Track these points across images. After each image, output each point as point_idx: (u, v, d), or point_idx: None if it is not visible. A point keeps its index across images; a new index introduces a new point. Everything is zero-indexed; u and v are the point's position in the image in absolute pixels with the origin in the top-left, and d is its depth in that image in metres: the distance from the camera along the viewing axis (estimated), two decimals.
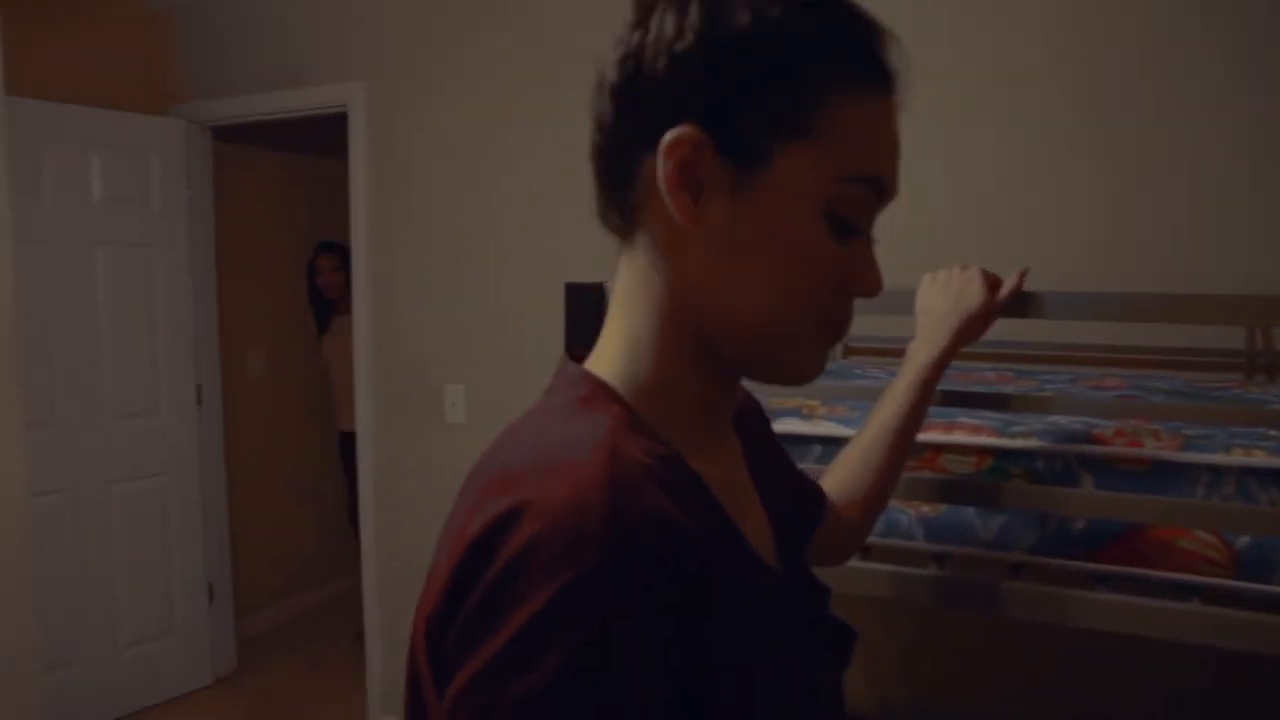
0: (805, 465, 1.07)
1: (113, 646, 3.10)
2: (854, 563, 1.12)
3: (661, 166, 0.56)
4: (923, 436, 1.10)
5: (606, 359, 0.63)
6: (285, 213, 3.92)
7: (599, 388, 0.60)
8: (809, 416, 1.22)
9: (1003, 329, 1.02)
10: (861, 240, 0.60)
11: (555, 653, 0.44)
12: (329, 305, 3.82)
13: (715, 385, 0.63)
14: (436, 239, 2.80)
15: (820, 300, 0.59)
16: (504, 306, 2.70)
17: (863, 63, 0.57)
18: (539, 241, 2.62)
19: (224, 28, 3.17)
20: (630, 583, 0.46)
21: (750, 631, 0.56)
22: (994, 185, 2.00)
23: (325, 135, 3.37)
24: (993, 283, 0.99)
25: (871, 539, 1.14)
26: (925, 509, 1.11)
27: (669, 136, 0.56)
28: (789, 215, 0.57)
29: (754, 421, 0.81)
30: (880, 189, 0.59)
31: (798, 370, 0.62)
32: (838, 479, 0.93)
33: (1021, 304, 0.99)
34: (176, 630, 3.29)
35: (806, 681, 0.63)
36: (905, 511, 1.12)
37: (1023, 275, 0.99)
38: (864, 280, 0.60)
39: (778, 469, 0.81)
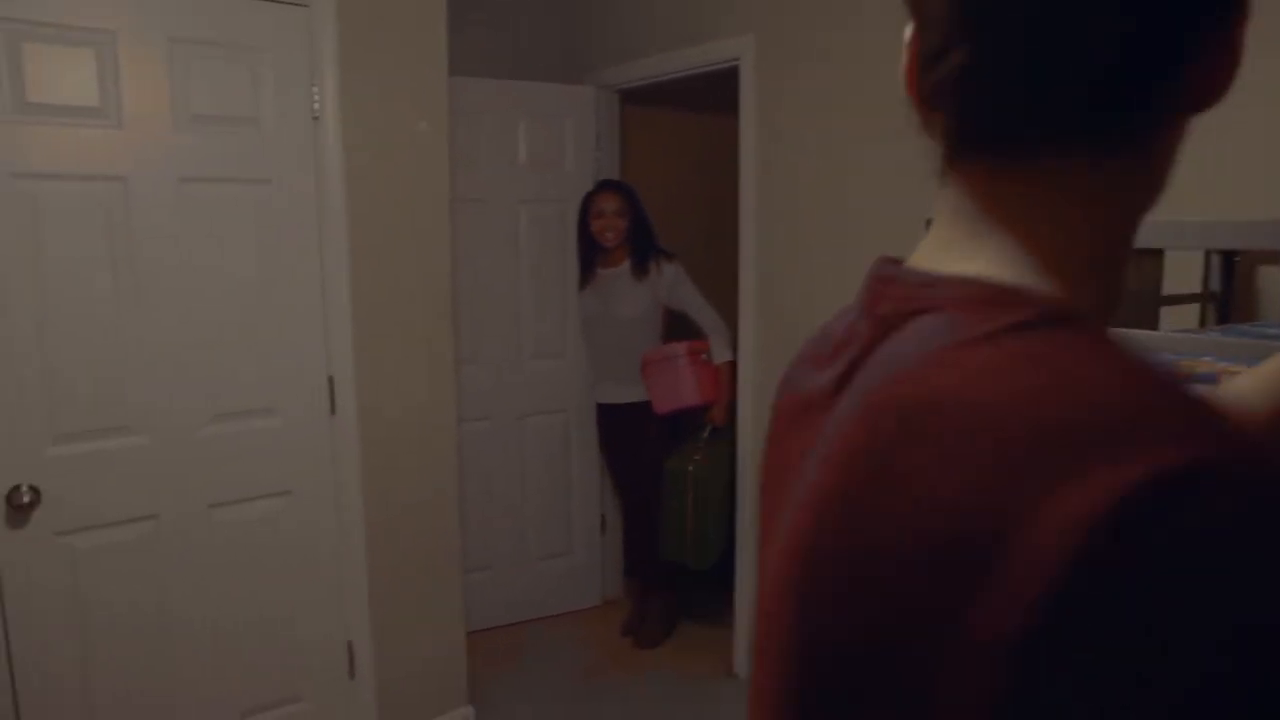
0: None
1: (521, 559, 3.53)
2: None
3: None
4: None
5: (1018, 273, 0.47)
6: (681, 170, 4.09)
7: (1070, 313, 0.44)
8: None
9: None
10: None
11: None
12: (599, 253, 3.42)
13: None
14: (818, 192, 2.73)
15: None
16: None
17: None
18: (921, 200, 2.43)
19: None
20: None
21: None
22: None
23: (719, 93, 3.44)
24: None
25: None
26: None
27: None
28: None
29: None
30: None
31: None
32: None
33: None
34: (573, 553, 3.66)
35: None
36: None
37: None
38: None
39: None
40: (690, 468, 3.24)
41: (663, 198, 4.00)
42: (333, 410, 2.43)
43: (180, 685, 2.28)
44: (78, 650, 2.12)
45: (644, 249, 3.35)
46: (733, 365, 3.30)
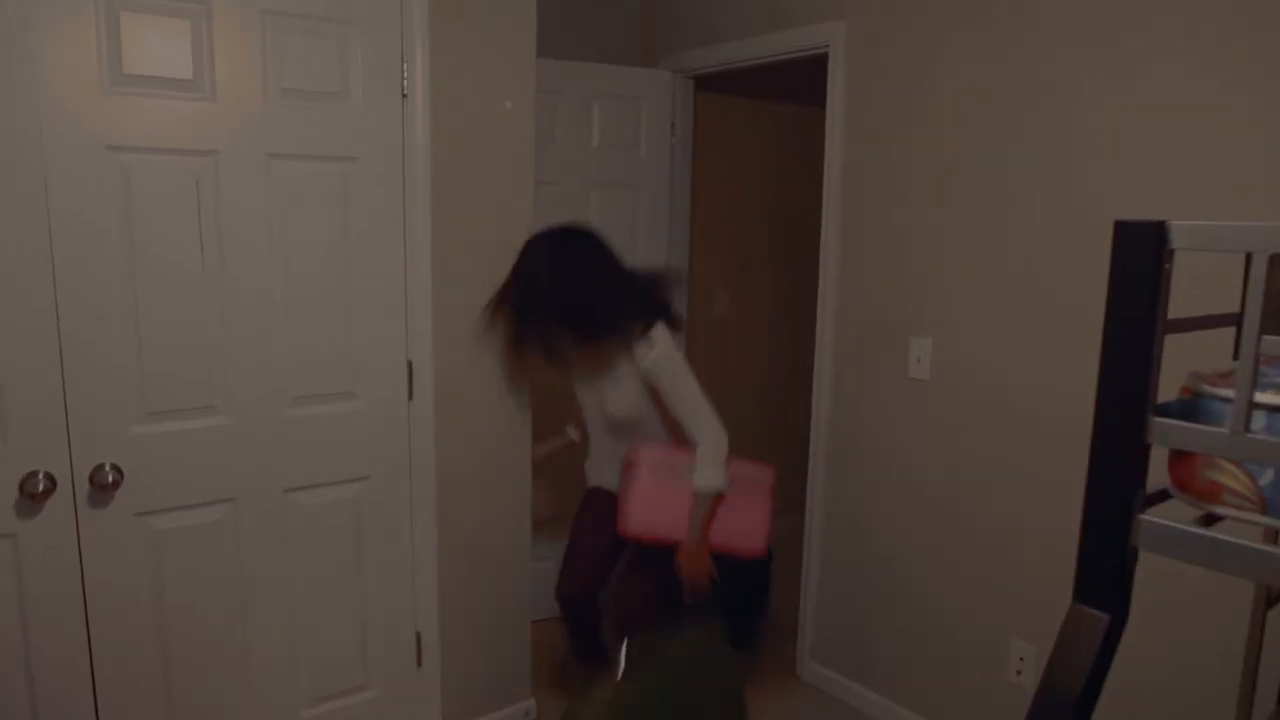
0: None
1: None
2: None
3: None
4: None
5: None
6: (758, 160, 4.00)
7: None
8: None
9: None
10: None
11: None
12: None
13: None
14: (910, 184, 2.63)
15: None
16: (983, 259, 2.46)
17: None
18: (1031, 195, 2.33)
19: None
20: None
21: None
22: None
23: (802, 82, 3.35)
24: None
25: None
26: None
27: None
28: None
29: None
30: None
31: None
32: None
33: None
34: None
35: None
36: None
37: None
38: None
39: None
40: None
41: (735, 190, 3.93)
42: (410, 395, 2.39)
43: (253, 669, 2.26)
44: (155, 631, 2.10)
45: (597, 333, 2.36)
46: (718, 498, 2.39)
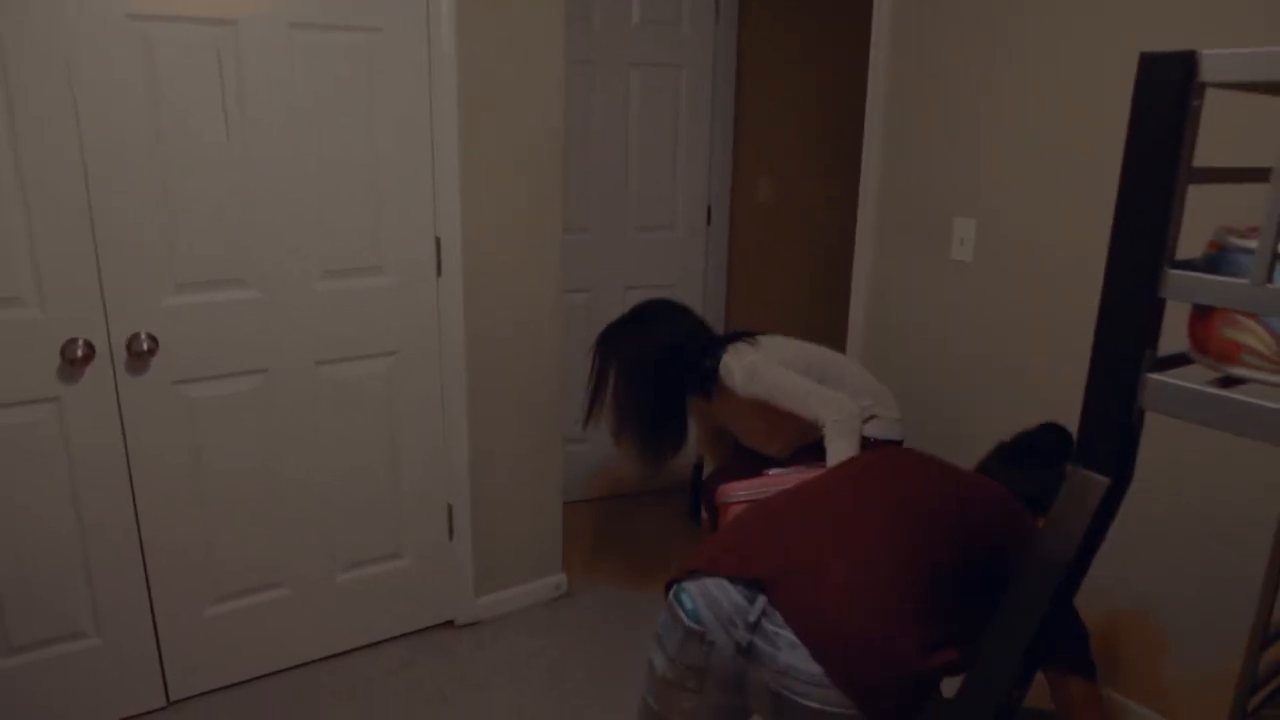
0: None
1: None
2: None
3: None
4: None
5: None
6: (806, 38, 3.81)
7: None
8: None
9: None
10: None
11: None
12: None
13: None
14: (959, 61, 2.48)
15: None
16: (1033, 137, 2.32)
17: None
18: (1078, 68, 2.17)
19: None
20: None
21: None
22: None
23: None
24: None
25: None
26: None
27: None
28: None
29: None
30: None
31: None
32: None
33: None
34: None
35: None
36: None
37: None
38: None
39: None
40: None
41: (781, 69, 3.75)
42: (439, 272, 2.38)
43: (290, 536, 2.34)
44: (195, 496, 2.19)
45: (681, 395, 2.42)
46: None
